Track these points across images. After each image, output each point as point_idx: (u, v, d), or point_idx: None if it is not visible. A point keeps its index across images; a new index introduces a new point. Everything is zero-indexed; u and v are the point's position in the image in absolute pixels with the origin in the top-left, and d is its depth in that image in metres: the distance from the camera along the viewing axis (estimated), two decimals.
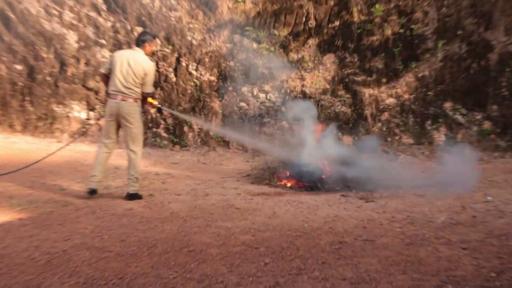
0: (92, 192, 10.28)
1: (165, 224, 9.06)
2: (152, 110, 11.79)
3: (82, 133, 16.63)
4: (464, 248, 7.59)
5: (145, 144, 16.10)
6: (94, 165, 10.36)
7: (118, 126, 10.23)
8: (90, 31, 17.45)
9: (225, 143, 15.78)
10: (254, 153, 14.49)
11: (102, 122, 16.71)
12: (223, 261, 7.44)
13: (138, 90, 10.13)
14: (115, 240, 8.17)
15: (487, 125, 14.48)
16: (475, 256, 7.24)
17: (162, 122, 16.57)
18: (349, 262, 7.36)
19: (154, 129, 16.48)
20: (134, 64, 9.99)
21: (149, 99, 10.66)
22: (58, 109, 17.22)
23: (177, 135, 16.29)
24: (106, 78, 10.28)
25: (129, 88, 9.99)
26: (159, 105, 11.12)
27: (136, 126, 10.16)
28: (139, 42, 10.24)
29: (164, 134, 16.32)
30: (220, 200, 10.79)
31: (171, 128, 16.39)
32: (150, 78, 10.14)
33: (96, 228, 8.75)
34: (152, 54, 11.11)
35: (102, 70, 10.32)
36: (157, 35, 10.69)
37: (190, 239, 8.28)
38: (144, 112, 10.74)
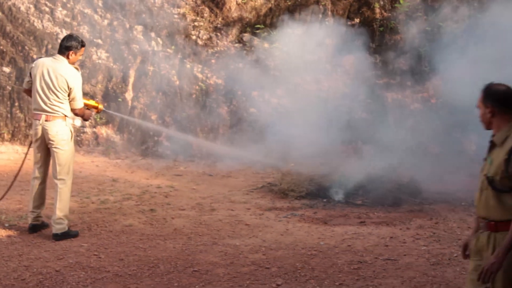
0: (33, 228, 9.43)
1: (167, 241, 9.15)
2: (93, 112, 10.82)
3: (76, 141, 16.71)
4: None
5: (145, 154, 16.22)
6: (30, 198, 9.57)
7: (48, 150, 9.39)
8: (84, 30, 17.55)
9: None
10: (266, 163, 14.56)
11: (98, 130, 16.84)
12: (231, 282, 7.54)
13: (66, 106, 9.31)
14: (113, 259, 8.28)
15: None
16: None
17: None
18: (369, 284, 7.45)
19: (156, 138, 16.57)
20: (55, 76, 9.14)
21: (90, 103, 10.10)
22: None
23: (180, 144, 16.34)
24: (30, 93, 9.52)
25: (53, 105, 9.19)
26: (104, 108, 10.60)
27: (64, 149, 9.28)
28: (62, 49, 9.32)
29: (167, 143, 16.34)
30: (227, 215, 10.87)
31: (174, 136, 16.45)
32: (77, 92, 9.32)
33: (92, 246, 8.86)
34: (78, 62, 9.95)
35: (24, 86, 9.82)
36: (84, 42, 9.71)
37: (195, 258, 8.38)
38: (86, 119, 10.11)
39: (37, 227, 9.48)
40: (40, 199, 9.49)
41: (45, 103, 9.15)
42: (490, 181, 4.89)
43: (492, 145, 5.09)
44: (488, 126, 5.16)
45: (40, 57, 9.85)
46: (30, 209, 9.47)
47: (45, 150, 9.36)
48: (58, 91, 9.13)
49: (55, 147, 9.19)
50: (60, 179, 9.24)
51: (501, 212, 4.85)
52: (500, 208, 4.85)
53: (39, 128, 9.20)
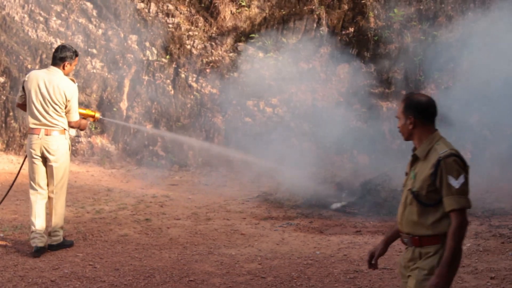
0: (39, 251, 8.84)
1: (163, 251, 9.14)
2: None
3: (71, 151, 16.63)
4: (492, 277, 7.64)
5: (140, 163, 16.20)
6: (31, 218, 8.96)
7: (45, 163, 9.04)
8: (79, 40, 17.55)
9: (229, 162, 15.81)
10: (261, 173, 14.55)
11: (93, 139, 16.82)
12: None
13: (65, 120, 9.05)
14: (108, 269, 8.26)
15: None
16: (505, 286, 7.30)
17: (159, 139, 16.65)
18: None
19: (151, 147, 16.57)
20: (52, 89, 8.83)
21: (86, 112, 9.81)
22: None
23: (176, 154, 16.34)
24: (25, 108, 9.15)
25: (53, 119, 8.90)
26: (100, 116, 10.16)
27: (61, 162, 9.04)
28: (57, 60, 8.99)
29: (162, 153, 16.35)
30: (223, 225, 10.87)
31: (169, 146, 16.47)
32: (74, 104, 9.06)
33: (87, 256, 8.84)
34: (72, 73, 9.33)
35: (17, 100, 9.33)
36: (78, 51, 9.35)
37: (190, 267, 8.36)
38: (82, 130, 9.76)
39: (43, 249, 8.94)
40: (44, 216, 9.03)
41: (44, 117, 8.84)
42: (416, 196, 4.79)
43: (415, 159, 4.97)
44: (408, 138, 5.00)
45: (33, 69, 9.48)
46: (48, 229, 9.02)
47: (44, 165, 9.01)
48: (56, 104, 8.83)
49: (54, 162, 8.91)
50: (56, 193, 8.99)
51: (425, 227, 4.74)
52: (425, 223, 4.74)
53: (38, 143, 8.87)
